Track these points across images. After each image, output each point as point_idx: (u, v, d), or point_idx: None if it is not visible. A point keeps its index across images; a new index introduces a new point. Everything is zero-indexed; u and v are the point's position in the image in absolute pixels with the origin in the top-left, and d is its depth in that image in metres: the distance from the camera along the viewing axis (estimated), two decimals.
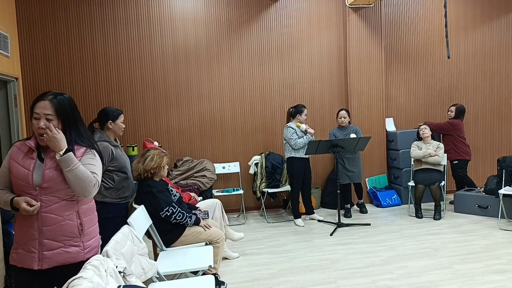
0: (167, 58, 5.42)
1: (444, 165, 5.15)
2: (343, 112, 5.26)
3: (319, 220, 5.17)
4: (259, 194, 5.42)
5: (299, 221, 5.05)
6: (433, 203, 5.36)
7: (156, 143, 4.46)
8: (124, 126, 3.19)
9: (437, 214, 5.00)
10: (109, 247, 2.12)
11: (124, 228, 2.51)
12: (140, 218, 2.89)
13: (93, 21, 5.18)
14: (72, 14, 5.12)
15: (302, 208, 5.30)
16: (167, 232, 3.11)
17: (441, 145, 5.15)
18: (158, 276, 2.66)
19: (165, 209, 3.02)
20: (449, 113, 5.59)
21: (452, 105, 5.61)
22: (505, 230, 4.41)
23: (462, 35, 6.25)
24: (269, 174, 5.38)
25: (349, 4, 5.69)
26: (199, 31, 5.49)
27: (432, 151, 5.04)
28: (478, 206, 5.03)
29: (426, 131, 5.20)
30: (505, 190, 4.46)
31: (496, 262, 3.55)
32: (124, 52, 5.29)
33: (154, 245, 3.46)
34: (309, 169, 5.13)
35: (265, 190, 5.30)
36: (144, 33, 5.33)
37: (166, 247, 3.14)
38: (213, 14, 5.52)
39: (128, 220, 2.65)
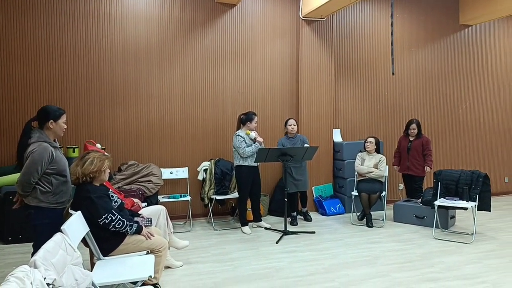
0: (115, 56, 5.21)
1: (385, 176, 5.38)
2: (292, 121, 5.33)
3: (266, 228, 5.18)
4: (207, 201, 5.34)
5: (246, 228, 5.03)
6: (376, 213, 5.59)
7: (98, 145, 4.25)
8: (66, 126, 3.01)
9: (369, 222, 5.25)
10: (37, 256, 1.96)
11: (57, 235, 2.34)
12: (76, 225, 2.71)
13: (37, 11, 4.86)
14: (16, 2, 4.77)
15: (250, 216, 5.29)
16: (106, 240, 2.95)
17: (383, 158, 5.39)
18: (93, 287, 2.50)
19: (103, 216, 2.87)
20: (411, 131, 5.58)
21: (410, 122, 5.63)
22: (439, 239, 4.68)
23: (406, 54, 6.61)
24: (218, 181, 5.32)
25: (302, 16, 5.82)
26: (151, 30, 5.34)
27: (373, 169, 5.28)
28: (416, 216, 5.30)
29: (370, 145, 5.42)
30: (440, 202, 4.74)
31: (430, 270, 3.74)
32: (70, 46, 5.02)
33: (91, 254, 3.27)
34: (258, 176, 5.14)
35: (213, 196, 5.22)
36: (92, 28, 5.09)
37: (104, 256, 2.98)
38: (167, 14, 5.39)
39: (62, 227, 2.48)
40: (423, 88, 6.75)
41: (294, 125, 5.30)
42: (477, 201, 4.65)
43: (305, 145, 5.18)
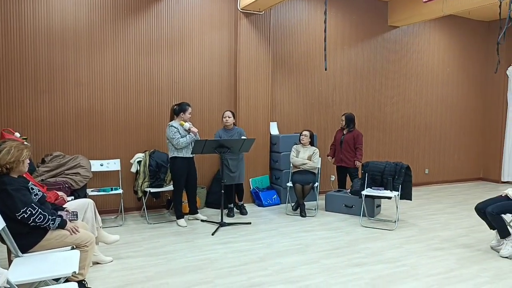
0: (39, 38, 4.82)
1: (318, 168, 5.59)
2: (228, 113, 5.31)
3: (202, 220, 5.15)
4: (140, 194, 5.16)
5: (181, 221, 4.96)
6: (310, 203, 5.79)
7: (17, 134, 3.92)
8: None
9: (303, 212, 5.43)
10: None
11: None
12: None
13: None
14: None
15: (186, 208, 5.22)
16: (25, 235, 2.73)
17: (317, 150, 5.59)
18: (8, 286, 2.31)
19: (22, 210, 2.65)
20: (341, 122, 5.94)
21: (343, 115, 5.94)
22: (365, 227, 4.97)
23: (339, 50, 6.89)
24: (153, 173, 5.17)
25: (241, 9, 5.81)
26: (80, 13, 5.01)
27: (307, 161, 5.46)
28: (345, 206, 5.58)
29: (305, 138, 5.59)
30: (367, 192, 5.03)
31: (356, 256, 3.96)
32: None
33: (9, 251, 3.02)
34: (194, 168, 5.07)
35: (148, 189, 5.07)
36: (13, 7, 4.66)
37: (24, 252, 2.76)
38: None
39: None
40: (354, 84, 7.09)
41: (229, 117, 5.28)
42: (399, 191, 5.00)
43: (242, 137, 5.21)
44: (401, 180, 5.02)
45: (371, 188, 5.12)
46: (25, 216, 2.68)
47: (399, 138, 7.66)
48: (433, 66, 7.91)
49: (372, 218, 5.35)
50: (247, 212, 5.58)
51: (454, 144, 8.31)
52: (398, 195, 4.98)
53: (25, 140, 3.82)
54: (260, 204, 5.98)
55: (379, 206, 5.64)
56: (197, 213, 5.22)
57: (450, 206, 6.24)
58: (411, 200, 5.12)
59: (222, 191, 4.93)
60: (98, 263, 3.61)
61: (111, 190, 4.98)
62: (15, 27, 4.69)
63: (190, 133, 4.86)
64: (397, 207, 5.10)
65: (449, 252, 4.09)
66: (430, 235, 4.67)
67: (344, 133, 5.91)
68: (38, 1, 4.79)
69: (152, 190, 5.08)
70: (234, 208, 5.59)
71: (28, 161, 2.87)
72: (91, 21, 5.08)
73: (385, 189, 5.03)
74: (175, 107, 4.91)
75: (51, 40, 4.89)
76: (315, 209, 5.64)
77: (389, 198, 5.01)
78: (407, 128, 7.72)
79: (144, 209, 5.19)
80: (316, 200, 5.71)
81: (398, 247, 4.23)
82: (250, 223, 5.07)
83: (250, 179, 6.12)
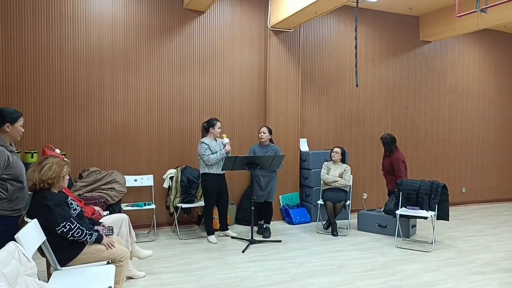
0: (79, 58, 5.05)
1: (350, 186, 5.49)
2: (263, 129, 5.29)
3: (232, 237, 5.13)
4: (172, 209, 5.23)
5: (212, 237, 4.96)
6: (341, 221, 5.67)
7: (57, 151, 4.08)
8: (23, 130, 2.88)
9: (334, 231, 5.30)
10: None
11: (10, 245, 2.22)
12: (32, 233, 2.58)
13: None
14: None
15: (217, 224, 5.23)
16: (64, 249, 2.81)
17: (348, 168, 5.50)
18: None
19: (61, 225, 2.74)
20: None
21: (380, 138, 5.60)
22: (400, 248, 4.80)
23: (370, 66, 6.82)
24: (184, 189, 5.23)
25: (270, 27, 5.89)
26: (116, 34, 5.22)
27: (338, 179, 5.37)
28: (378, 225, 5.43)
29: (336, 155, 5.52)
30: (401, 211, 4.88)
31: (393, 278, 3.82)
32: (30, 48, 4.81)
33: (48, 264, 3.10)
34: (225, 185, 5.09)
35: (179, 205, 5.13)
36: (55, 30, 4.92)
37: (62, 266, 2.83)
38: (133, 19, 5.30)
39: (15, 236, 2.34)
40: (385, 100, 6.97)
41: (264, 133, 5.26)
42: (436, 211, 4.82)
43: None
44: (437, 199, 4.84)
45: (405, 207, 4.96)
46: (64, 230, 2.76)
47: (434, 156, 7.42)
48: (468, 81, 7.68)
49: (408, 239, 5.17)
50: (269, 236, 5.19)
51: (492, 162, 7.97)
52: (434, 215, 4.80)
53: (64, 156, 3.97)
54: (290, 222, 5.91)
55: (414, 226, 5.45)
56: (228, 229, 5.22)
57: (490, 227, 5.95)
58: (448, 220, 4.92)
59: (253, 207, 4.90)
60: (131, 278, 3.65)
61: (144, 205, 5.07)
62: (56, 48, 4.94)
63: (223, 150, 4.90)
64: (433, 228, 4.90)
65: (491, 277, 3.88)
66: (469, 258, 4.45)
67: (386, 156, 5.57)
68: (78, 24, 5.03)
69: (184, 205, 5.13)
70: (257, 230, 5.37)
71: (68, 177, 2.97)
72: (127, 41, 5.28)
73: (420, 209, 4.86)
74: (205, 124, 5.00)
75: (89, 59, 5.10)
76: (347, 228, 5.52)
77: (425, 218, 4.84)
78: (442, 145, 7.49)
79: (175, 225, 5.24)
80: (348, 219, 5.58)
81: (435, 270, 4.05)
82: (280, 241, 5.01)
83: (280, 196, 6.07)
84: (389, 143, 5.51)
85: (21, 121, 2.84)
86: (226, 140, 4.95)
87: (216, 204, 5.07)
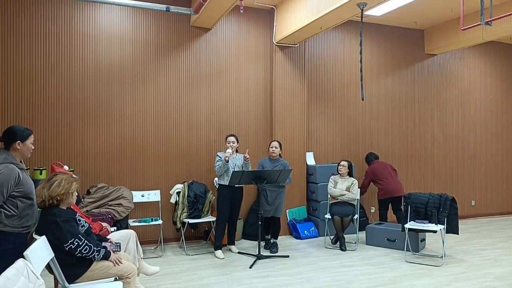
0: (87, 75, 5.13)
1: (358, 199, 5.45)
2: (274, 143, 5.29)
3: (239, 252, 5.10)
4: (179, 225, 5.21)
5: (219, 253, 4.94)
6: (349, 236, 5.61)
7: (66, 167, 4.12)
8: (33, 147, 2.92)
9: (342, 245, 5.26)
10: None
11: (19, 262, 2.23)
12: (40, 250, 2.59)
13: (5, 28, 4.75)
14: None
15: (226, 239, 5.21)
16: (71, 266, 2.81)
17: (355, 181, 5.47)
18: None
19: (70, 241, 2.75)
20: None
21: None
22: (410, 262, 4.74)
23: (375, 80, 6.85)
24: (191, 204, 5.23)
25: (276, 42, 5.95)
26: (124, 51, 5.31)
27: (346, 192, 5.37)
28: (387, 239, 5.36)
29: (343, 169, 5.50)
30: (410, 225, 4.83)
31: None
32: (39, 65, 4.91)
33: (56, 281, 3.11)
34: (238, 199, 5.11)
35: (186, 220, 5.12)
36: (64, 48, 5.02)
37: (70, 283, 2.83)
38: (141, 37, 5.40)
39: (24, 253, 2.35)
40: (392, 113, 6.97)
41: (275, 148, 5.26)
42: (445, 224, 4.76)
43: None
44: (446, 212, 4.79)
45: (414, 221, 4.91)
46: (73, 247, 2.77)
47: (442, 169, 7.37)
48: (474, 94, 7.66)
49: (417, 253, 5.10)
50: (277, 251, 5.16)
51: (501, 174, 7.88)
52: (444, 228, 4.74)
53: (72, 172, 4.00)
54: (298, 237, 5.87)
55: (423, 240, 5.38)
56: (234, 244, 5.19)
57: (501, 240, 5.86)
58: (458, 234, 4.85)
59: (260, 222, 4.88)
60: None
61: (151, 220, 5.07)
62: (65, 66, 5.03)
63: (225, 158, 4.91)
64: (443, 241, 4.84)
65: None
66: (481, 272, 4.37)
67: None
68: (87, 41, 5.13)
69: (190, 220, 5.12)
70: (264, 245, 5.38)
71: (77, 194, 3.00)
72: (135, 58, 5.37)
73: (429, 222, 4.81)
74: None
75: (98, 76, 5.19)
76: (355, 243, 5.46)
77: (435, 232, 4.78)
78: (449, 158, 7.43)
79: (182, 240, 5.22)
80: (356, 233, 5.53)
81: (446, 285, 3.98)
82: (288, 256, 4.97)
83: (287, 211, 6.04)
84: (366, 157, 6.37)
85: (31, 139, 2.88)
86: (229, 150, 4.94)
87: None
